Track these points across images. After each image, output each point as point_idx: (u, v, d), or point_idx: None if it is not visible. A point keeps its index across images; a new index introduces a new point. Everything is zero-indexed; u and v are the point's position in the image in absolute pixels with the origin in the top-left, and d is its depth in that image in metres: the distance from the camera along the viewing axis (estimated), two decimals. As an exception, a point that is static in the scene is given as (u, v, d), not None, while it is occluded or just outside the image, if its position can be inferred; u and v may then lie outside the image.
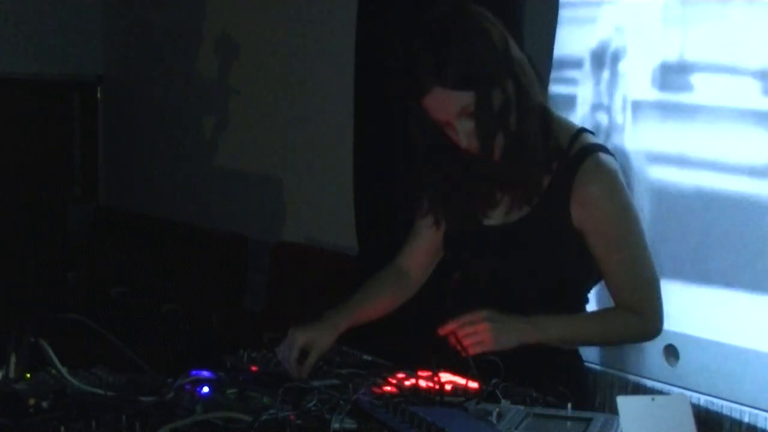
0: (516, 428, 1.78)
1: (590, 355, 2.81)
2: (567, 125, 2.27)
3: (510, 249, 2.25)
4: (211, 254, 4.83)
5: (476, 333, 2.11)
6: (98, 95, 5.85)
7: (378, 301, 2.39)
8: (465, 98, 2.10)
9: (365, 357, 2.30)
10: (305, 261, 4.41)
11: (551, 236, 2.21)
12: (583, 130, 2.26)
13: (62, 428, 1.75)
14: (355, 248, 3.93)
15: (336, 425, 1.79)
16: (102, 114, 5.89)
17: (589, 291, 2.33)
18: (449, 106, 2.12)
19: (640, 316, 2.22)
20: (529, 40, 2.99)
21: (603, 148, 2.23)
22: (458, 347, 2.10)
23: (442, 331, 2.13)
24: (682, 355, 2.94)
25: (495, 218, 2.27)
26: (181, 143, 5.44)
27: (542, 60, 3.06)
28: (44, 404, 1.86)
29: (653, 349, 2.94)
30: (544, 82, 2.92)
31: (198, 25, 5.30)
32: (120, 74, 5.85)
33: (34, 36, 5.63)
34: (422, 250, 2.43)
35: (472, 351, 2.08)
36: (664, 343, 2.93)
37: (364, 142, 3.82)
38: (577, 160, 2.19)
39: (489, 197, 2.26)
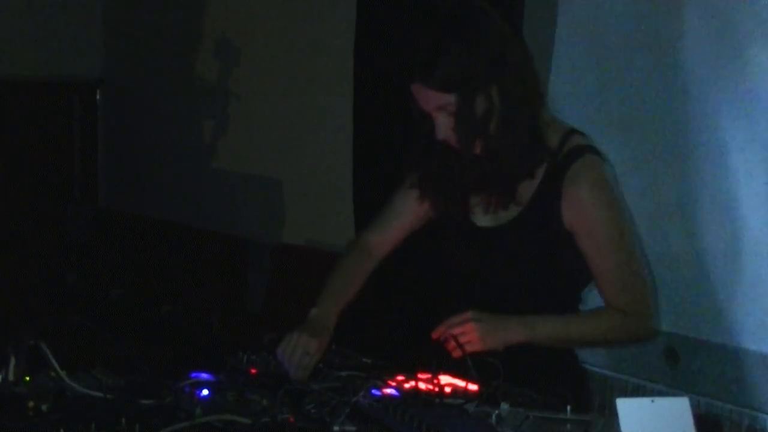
0: (515, 430, 1.78)
1: (590, 356, 2.80)
2: (558, 126, 2.25)
3: (501, 250, 2.25)
4: (210, 256, 4.83)
5: (463, 334, 2.12)
6: (98, 97, 5.85)
7: (357, 287, 2.37)
8: (446, 98, 2.11)
9: (364, 359, 2.30)
10: (305, 263, 4.40)
11: (542, 237, 2.21)
12: (573, 131, 2.25)
13: (61, 431, 1.75)
14: (354, 250, 3.92)
15: (336, 428, 1.79)
16: (102, 116, 5.88)
17: (581, 291, 2.33)
18: (430, 102, 2.13)
19: (632, 316, 2.21)
20: (530, 40, 2.98)
21: (593, 149, 2.22)
22: (452, 347, 2.10)
23: (433, 334, 2.14)
24: (682, 357, 2.94)
25: (486, 219, 2.26)
26: (180, 145, 5.44)
27: (542, 60, 3.06)
28: (43, 407, 1.87)
29: (653, 351, 2.94)
30: (543, 83, 2.92)
31: (197, 28, 5.29)
32: (120, 76, 5.84)
33: (34, 38, 5.62)
34: (401, 226, 2.39)
35: (459, 352, 2.08)
36: (664, 346, 2.92)
37: (364, 142, 3.82)
38: (566, 161, 2.19)
39: (469, 193, 2.25)
